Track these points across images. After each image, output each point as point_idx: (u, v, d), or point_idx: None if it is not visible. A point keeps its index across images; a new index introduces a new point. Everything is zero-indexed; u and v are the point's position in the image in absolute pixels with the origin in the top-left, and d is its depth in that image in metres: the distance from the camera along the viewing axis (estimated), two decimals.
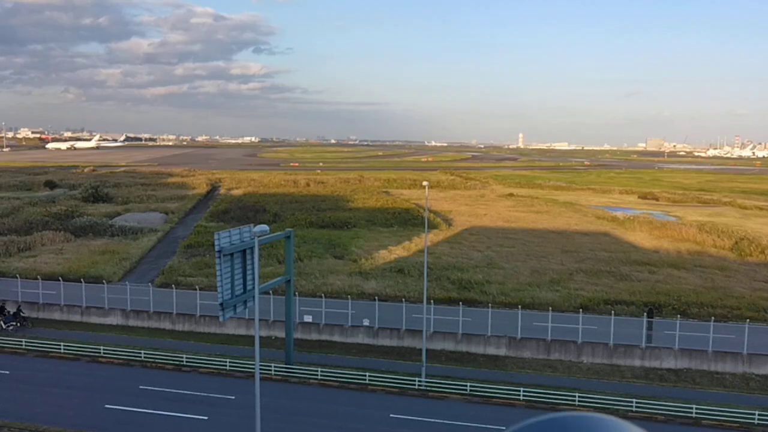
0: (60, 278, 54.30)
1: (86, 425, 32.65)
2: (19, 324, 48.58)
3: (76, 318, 50.94)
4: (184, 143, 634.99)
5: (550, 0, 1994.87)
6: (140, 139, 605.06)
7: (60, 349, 43.60)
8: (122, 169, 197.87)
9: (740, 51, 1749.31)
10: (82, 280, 53.60)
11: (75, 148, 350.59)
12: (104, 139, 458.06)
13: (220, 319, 37.38)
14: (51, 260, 66.08)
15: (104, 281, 54.87)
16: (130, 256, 68.91)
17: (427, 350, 40.28)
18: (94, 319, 50.65)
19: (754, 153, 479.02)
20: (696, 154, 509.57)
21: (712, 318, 44.54)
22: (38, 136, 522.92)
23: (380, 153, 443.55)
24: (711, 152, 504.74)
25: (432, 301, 46.33)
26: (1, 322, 48.65)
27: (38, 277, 55.20)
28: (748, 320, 43.73)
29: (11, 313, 49.48)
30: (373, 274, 61.72)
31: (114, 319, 50.52)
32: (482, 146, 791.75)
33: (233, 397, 36.51)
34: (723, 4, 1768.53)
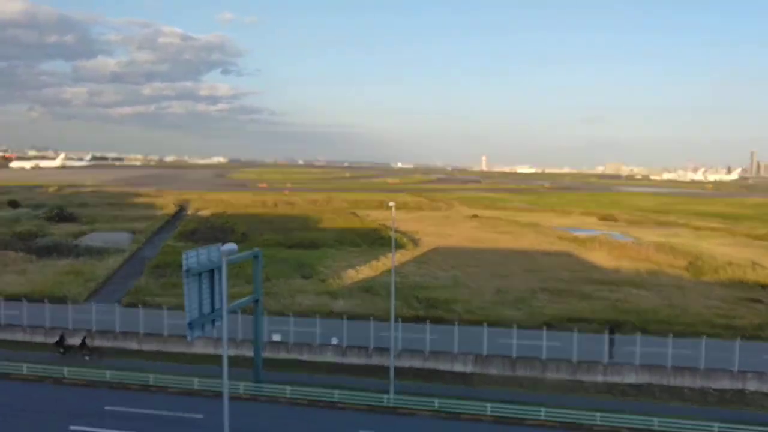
0: (23, 298, 53.41)
1: None
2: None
3: (39, 339, 50.07)
4: (152, 164, 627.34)
5: (514, 31, 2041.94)
6: (107, 159, 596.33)
7: (22, 370, 42.91)
8: (89, 189, 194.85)
9: (691, 82, 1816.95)
10: (46, 300, 52.80)
11: (40, 167, 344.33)
12: (70, 158, 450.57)
13: (188, 338, 37.15)
14: (13, 280, 64.98)
15: (68, 301, 54.13)
16: (96, 277, 68.09)
17: (395, 368, 40.75)
18: None
19: (705, 177, 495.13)
20: (652, 177, 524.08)
21: (671, 334, 45.81)
22: (2, 154, 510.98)
23: (348, 174, 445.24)
24: (666, 176, 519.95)
25: (400, 319, 46.87)
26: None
27: (0, 297, 54.18)
28: (704, 336, 45.18)
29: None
30: (341, 293, 62.12)
31: (79, 340, 49.73)
32: (449, 168, 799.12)
33: (201, 416, 36.39)
34: (675, 45, 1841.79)
